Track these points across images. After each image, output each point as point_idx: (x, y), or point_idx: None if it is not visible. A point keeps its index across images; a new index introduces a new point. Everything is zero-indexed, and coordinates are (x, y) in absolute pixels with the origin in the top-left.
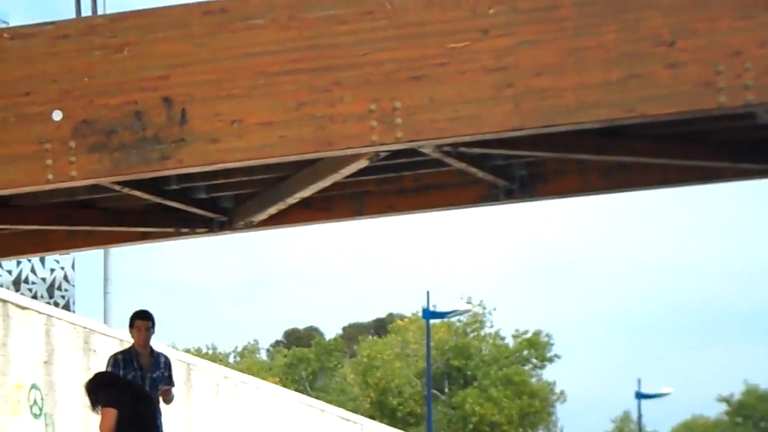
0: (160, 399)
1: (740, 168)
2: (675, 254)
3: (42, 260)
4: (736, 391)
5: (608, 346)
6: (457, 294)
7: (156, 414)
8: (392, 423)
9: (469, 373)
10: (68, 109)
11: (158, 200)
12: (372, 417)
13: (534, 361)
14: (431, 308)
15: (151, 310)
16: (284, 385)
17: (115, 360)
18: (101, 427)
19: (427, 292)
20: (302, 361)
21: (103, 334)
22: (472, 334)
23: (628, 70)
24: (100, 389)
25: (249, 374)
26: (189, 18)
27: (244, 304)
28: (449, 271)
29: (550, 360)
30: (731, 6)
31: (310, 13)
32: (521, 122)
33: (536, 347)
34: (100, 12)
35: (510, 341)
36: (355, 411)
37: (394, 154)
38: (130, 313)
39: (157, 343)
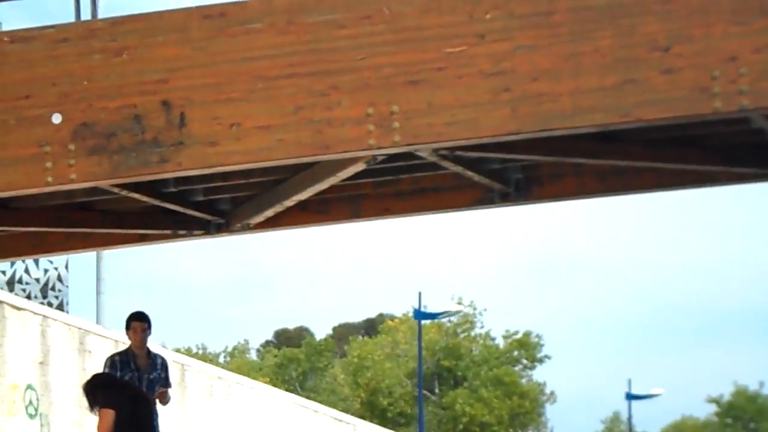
0: (157, 400)
1: (735, 172)
2: (666, 255)
3: (36, 261)
4: (726, 392)
5: (598, 347)
6: (448, 294)
7: (153, 415)
8: (382, 423)
9: (459, 373)
10: (68, 112)
11: (156, 202)
12: (362, 417)
13: (524, 361)
14: (422, 309)
15: (145, 311)
16: (274, 386)
17: (112, 361)
18: (99, 428)
19: (419, 293)
20: (292, 361)
21: (99, 335)
22: (462, 335)
23: (624, 75)
24: (98, 390)
25: (239, 374)
26: (188, 22)
27: (234, 304)
28: (439, 272)
29: (540, 361)
30: (726, 12)
31: (308, 18)
32: (518, 126)
33: (526, 348)
34: (99, 16)
35: (500, 342)
36: (345, 411)
37: (391, 157)
38: (126, 315)
39: (149, 343)
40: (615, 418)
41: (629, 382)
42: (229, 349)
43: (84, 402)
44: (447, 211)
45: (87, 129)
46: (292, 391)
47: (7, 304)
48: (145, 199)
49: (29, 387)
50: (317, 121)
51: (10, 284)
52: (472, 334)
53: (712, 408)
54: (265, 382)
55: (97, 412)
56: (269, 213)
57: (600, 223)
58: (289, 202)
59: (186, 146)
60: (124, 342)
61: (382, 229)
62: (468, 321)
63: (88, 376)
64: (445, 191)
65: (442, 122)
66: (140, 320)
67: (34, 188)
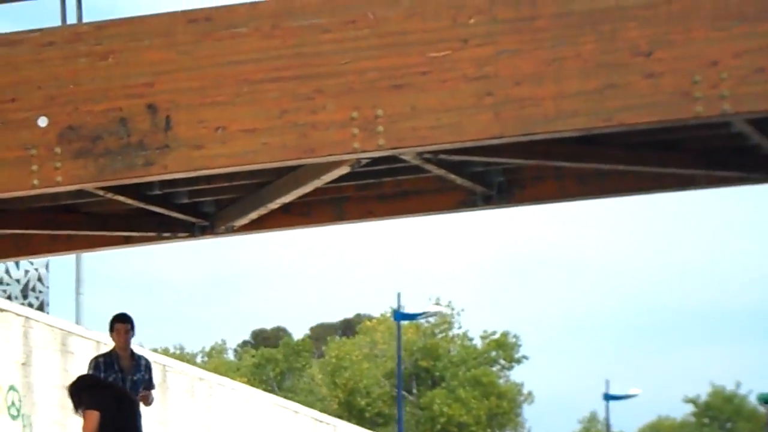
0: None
1: (716, 175)
2: (643, 257)
3: (16, 262)
4: (703, 392)
5: (575, 348)
6: (425, 295)
7: (137, 416)
8: (360, 423)
9: (437, 373)
10: (54, 115)
11: (141, 205)
12: (340, 417)
13: (502, 362)
14: (401, 310)
15: (128, 312)
16: (252, 386)
17: (96, 363)
18: (84, 429)
19: (398, 294)
20: (270, 361)
21: (81, 336)
22: (440, 335)
23: (606, 79)
24: (83, 392)
25: (217, 374)
26: (173, 26)
27: (211, 304)
28: (417, 272)
29: (518, 361)
30: (707, 17)
31: (293, 22)
32: (501, 130)
33: (504, 348)
34: (85, 20)
35: (478, 342)
36: (323, 411)
37: (375, 160)
38: (108, 316)
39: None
40: (592, 418)
41: (607, 383)
42: (207, 350)
43: (67, 403)
44: (430, 214)
45: (73, 132)
46: (269, 392)
47: None
48: (130, 201)
49: (11, 388)
50: (302, 124)
51: None
52: (450, 334)
53: (689, 408)
54: (243, 382)
55: (82, 414)
56: (253, 215)
57: (577, 225)
58: (273, 205)
59: (171, 149)
60: (106, 343)
61: (359, 230)
62: (446, 321)
63: (73, 378)
64: (427, 194)
65: (426, 126)
66: (123, 322)
67: (20, 191)
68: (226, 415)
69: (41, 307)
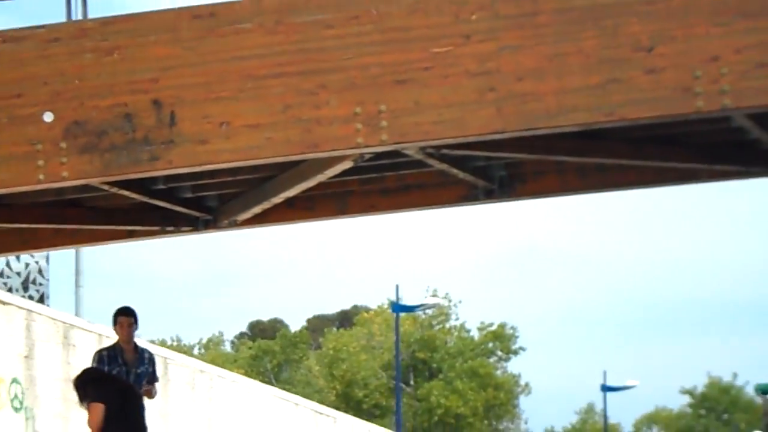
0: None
1: (716, 169)
2: (641, 249)
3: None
4: (700, 383)
5: (572, 339)
6: (422, 286)
7: (141, 409)
8: (357, 415)
9: (434, 365)
10: (59, 110)
11: (145, 199)
12: (337, 409)
13: (499, 353)
14: (399, 301)
15: (131, 306)
16: (249, 378)
17: (99, 356)
18: (89, 422)
19: (396, 286)
20: (267, 353)
21: (83, 329)
22: (437, 327)
23: (608, 75)
24: (88, 384)
25: (214, 366)
26: (178, 22)
27: (208, 296)
28: (414, 264)
29: (515, 352)
30: (708, 13)
31: (297, 18)
32: (503, 125)
33: (501, 340)
34: (90, 16)
35: (475, 334)
36: (320, 403)
37: (378, 155)
38: (108, 309)
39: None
40: (589, 410)
41: (604, 374)
42: (204, 341)
43: (69, 395)
44: (432, 208)
45: (78, 127)
46: (266, 383)
47: None
48: (134, 196)
49: (14, 381)
50: (306, 119)
51: None
52: (447, 326)
53: (686, 399)
54: (240, 374)
55: (87, 407)
56: (256, 210)
57: (575, 217)
58: (277, 199)
59: (176, 144)
60: (108, 336)
61: (355, 222)
62: (443, 313)
63: (76, 371)
64: (430, 188)
65: (429, 121)
66: (127, 315)
67: (26, 186)
68: (226, 407)
69: (41, 300)
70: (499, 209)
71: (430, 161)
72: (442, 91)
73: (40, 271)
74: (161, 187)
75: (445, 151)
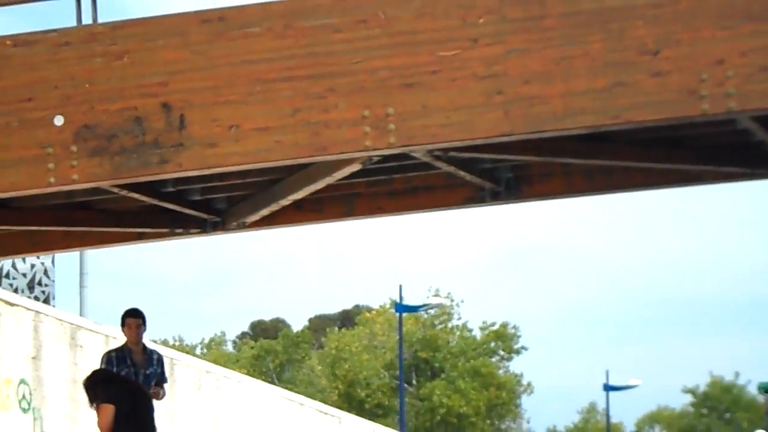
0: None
1: (721, 171)
2: (642, 247)
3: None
4: (702, 382)
5: (575, 338)
6: (425, 286)
7: (151, 410)
8: (360, 415)
9: (436, 365)
10: (70, 114)
11: (154, 202)
12: (339, 408)
13: (501, 353)
14: (401, 301)
15: (140, 308)
16: (252, 377)
17: (108, 357)
18: (99, 423)
19: (400, 286)
20: (269, 353)
21: (90, 330)
22: (439, 326)
23: (614, 78)
24: (97, 386)
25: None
26: (187, 26)
27: (210, 295)
28: (416, 263)
29: (517, 352)
30: (714, 16)
31: (305, 22)
32: (510, 128)
33: (503, 339)
34: (100, 20)
35: (477, 333)
36: (322, 403)
37: (385, 157)
38: (113, 310)
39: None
40: (591, 409)
41: (606, 373)
42: (206, 341)
43: (76, 396)
44: (439, 210)
45: (89, 131)
46: (269, 383)
47: (1, 299)
48: (144, 198)
49: (22, 381)
50: (314, 123)
51: None
52: (449, 325)
53: (688, 398)
54: (242, 374)
55: (97, 408)
56: (265, 212)
57: (577, 216)
58: (285, 201)
59: (186, 147)
60: (115, 337)
61: (358, 222)
62: (445, 312)
63: (83, 372)
64: (437, 190)
65: (437, 124)
66: (135, 317)
67: (36, 189)
68: (232, 407)
69: (47, 300)
70: (501, 209)
71: (438, 164)
72: (449, 94)
73: (45, 272)
74: (170, 189)
75: (452, 153)
